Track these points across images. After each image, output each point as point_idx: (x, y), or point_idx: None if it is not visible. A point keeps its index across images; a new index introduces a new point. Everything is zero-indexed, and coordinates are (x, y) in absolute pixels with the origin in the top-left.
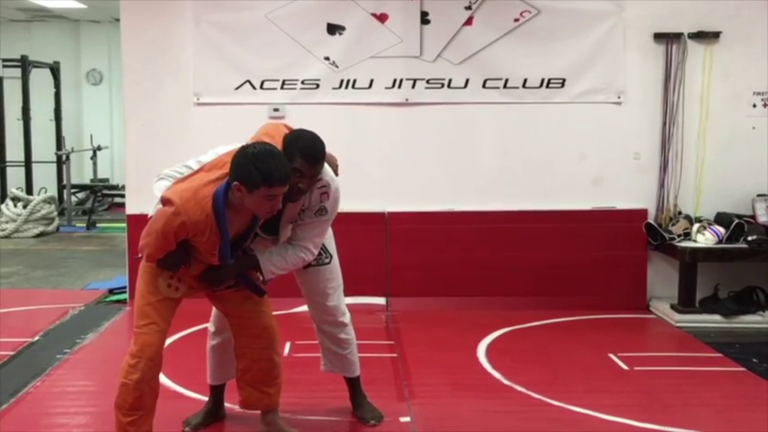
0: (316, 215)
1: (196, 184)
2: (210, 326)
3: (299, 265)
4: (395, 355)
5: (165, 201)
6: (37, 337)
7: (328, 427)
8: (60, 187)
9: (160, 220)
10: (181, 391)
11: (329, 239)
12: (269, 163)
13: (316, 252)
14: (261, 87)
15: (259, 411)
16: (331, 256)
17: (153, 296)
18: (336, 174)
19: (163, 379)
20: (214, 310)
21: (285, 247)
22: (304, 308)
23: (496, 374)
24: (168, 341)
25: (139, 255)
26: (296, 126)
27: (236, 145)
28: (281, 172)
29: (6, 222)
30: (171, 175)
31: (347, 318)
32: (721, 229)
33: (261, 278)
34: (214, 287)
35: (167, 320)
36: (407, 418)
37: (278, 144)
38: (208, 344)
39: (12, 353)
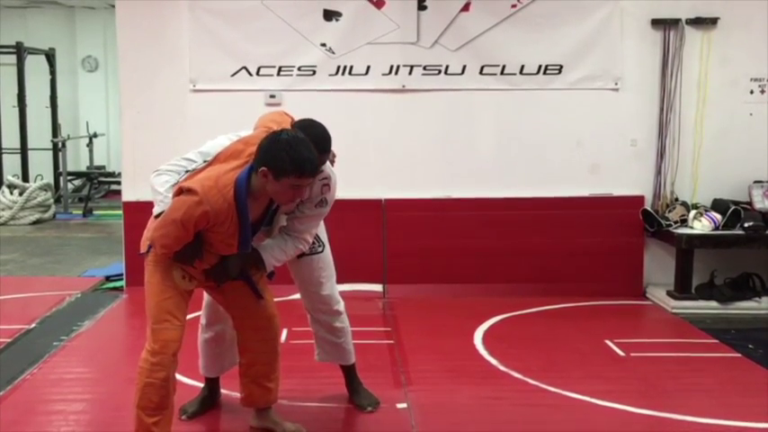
0: (316, 207)
1: (216, 173)
2: (202, 319)
3: (295, 255)
4: (392, 341)
5: (185, 190)
6: (33, 325)
7: (325, 414)
8: (56, 174)
9: (180, 210)
10: (177, 378)
11: (321, 228)
12: (302, 152)
13: (311, 241)
14: (257, 74)
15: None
16: (323, 245)
17: (169, 290)
18: (333, 165)
19: None
20: (204, 302)
21: (284, 238)
22: (297, 295)
23: (493, 361)
24: None
25: (143, 251)
26: (294, 113)
27: (239, 133)
28: (313, 162)
29: (2, 210)
30: (171, 170)
31: (341, 306)
32: (718, 216)
33: (264, 271)
34: (220, 282)
35: (185, 314)
36: (404, 405)
37: None
38: (200, 337)
39: (8, 340)
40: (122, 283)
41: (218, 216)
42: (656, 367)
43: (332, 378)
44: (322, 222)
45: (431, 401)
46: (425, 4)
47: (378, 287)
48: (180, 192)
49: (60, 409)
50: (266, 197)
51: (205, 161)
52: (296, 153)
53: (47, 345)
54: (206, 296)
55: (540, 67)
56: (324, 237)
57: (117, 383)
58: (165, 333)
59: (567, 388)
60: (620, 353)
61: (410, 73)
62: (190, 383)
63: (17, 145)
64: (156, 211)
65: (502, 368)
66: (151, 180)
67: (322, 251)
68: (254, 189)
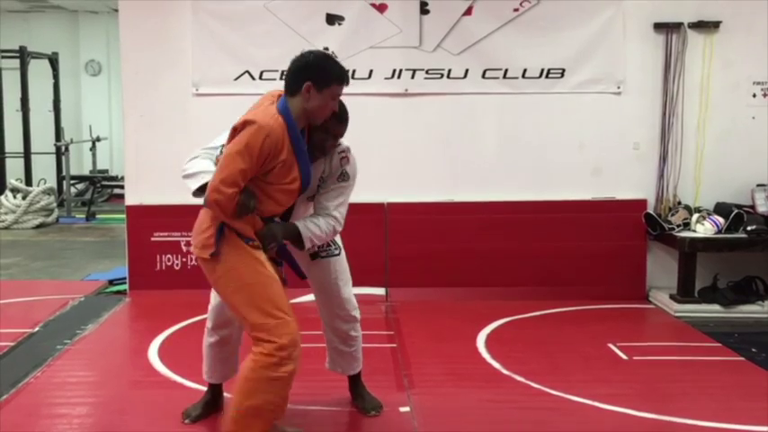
0: (338, 181)
1: (259, 110)
2: (208, 322)
3: (330, 237)
4: (394, 345)
5: (242, 124)
6: (37, 328)
7: (328, 417)
8: (60, 178)
9: (242, 141)
10: (180, 381)
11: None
12: (335, 62)
13: (343, 222)
14: (260, 78)
15: None
16: (340, 249)
17: (274, 283)
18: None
19: (162, 369)
20: (211, 305)
21: (316, 217)
22: (307, 297)
23: (496, 364)
24: (167, 332)
25: (211, 252)
26: None
27: None
28: (345, 70)
29: (6, 213)
30: (200, 154)
31: (358, 313)
32: (720, 219)
33: (301, 247)
34: (268, 244)
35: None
36: (407, 408)
37: None
38: (205, 341)
39: (12, 344)
40: (125, 286)
41: (278, 143)
42: (658, 371)
43: (335, 381)
44: None
45: (434, 405)
46: (428, 8)
47: (380, 291)
48: (234, 133)
49: (64, 413)
50: (302, 125)
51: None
52: (334, 62)
53: (50, 348)
54: (213, 299)
55: (542, 70)
56: (340, 241)
57: (120, 387)
58: (291, 326)
59: (569, 391)
60: (623, 356)
61: (413, 77)
62: (194, 387)
63: (20, 149)
64: (197, 183)
65: (505, 371)
66: (186, 165)
67: (338, 254)
68: (293, 116)
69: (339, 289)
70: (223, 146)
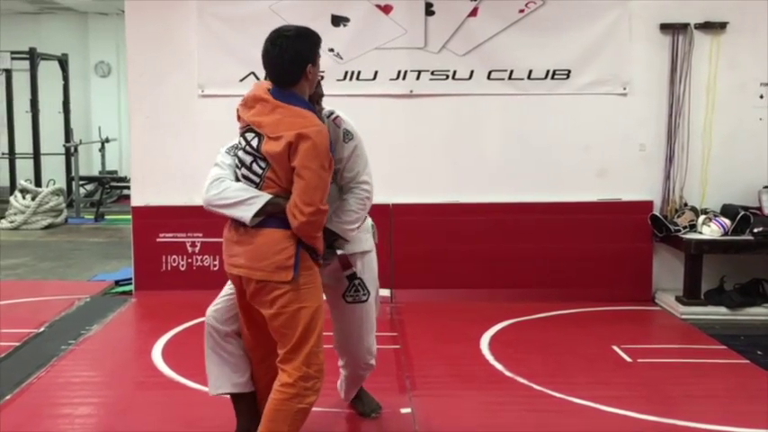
0: (345, 143)
1: (287, 113)
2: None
3: (367, 207)
4: (398, 346)
5: (299, 138)
6: (43, 328)
7: (328, 419)
8: (69, 179)
9: (316, 154)
10: (184, 382)
11: (372, 272)
12: (305, 28)
13: (372, 183)
14: (265, 79)
15: None
16: (369, 294)
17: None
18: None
19: (166, 370)
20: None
21: (343, 200)
22: None
23: (499, 366)
24: (171, 333)
25: (292, 276)
26: None
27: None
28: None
29: (15, 214)
30: (221, 175)
31: (374, 360)
32: (727, 221)
33: (344, 241)
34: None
35: None
36: (408, 410)
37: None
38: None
39: (17, 343)
40: (131, 287)
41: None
42: (662, 373)
43: (335, 383)
44: (375, 265)
45: (435, 406)
46: (433, 9)
47: (385, 292)
48: (288, 149)
49: (67, 413)
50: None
51: (238, 146)
52: (305, 30)
53: (55, 348)
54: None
55: (548, 71)
56: (372, 284)
57: (124, 387)
58: (321, 356)
59: (572, 394)
60: (627, 359)
61: (418, 78)
62: (196, 388)
63: (30, 150)
64: (253, 210)
65: (508, 373)
66: (216, 195)
67: (366, 300)
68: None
69: (361, 338)
70: (235, 146)
